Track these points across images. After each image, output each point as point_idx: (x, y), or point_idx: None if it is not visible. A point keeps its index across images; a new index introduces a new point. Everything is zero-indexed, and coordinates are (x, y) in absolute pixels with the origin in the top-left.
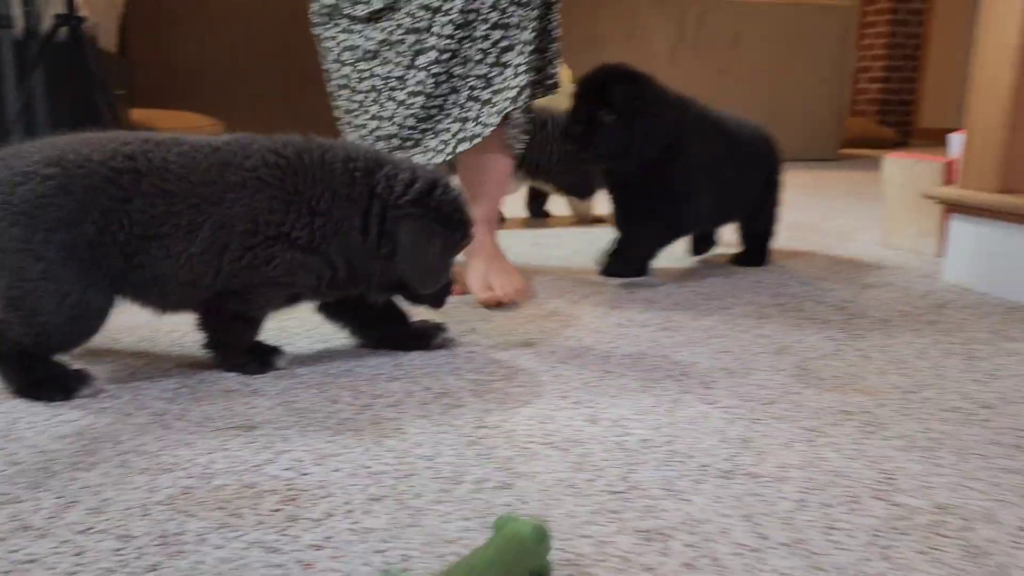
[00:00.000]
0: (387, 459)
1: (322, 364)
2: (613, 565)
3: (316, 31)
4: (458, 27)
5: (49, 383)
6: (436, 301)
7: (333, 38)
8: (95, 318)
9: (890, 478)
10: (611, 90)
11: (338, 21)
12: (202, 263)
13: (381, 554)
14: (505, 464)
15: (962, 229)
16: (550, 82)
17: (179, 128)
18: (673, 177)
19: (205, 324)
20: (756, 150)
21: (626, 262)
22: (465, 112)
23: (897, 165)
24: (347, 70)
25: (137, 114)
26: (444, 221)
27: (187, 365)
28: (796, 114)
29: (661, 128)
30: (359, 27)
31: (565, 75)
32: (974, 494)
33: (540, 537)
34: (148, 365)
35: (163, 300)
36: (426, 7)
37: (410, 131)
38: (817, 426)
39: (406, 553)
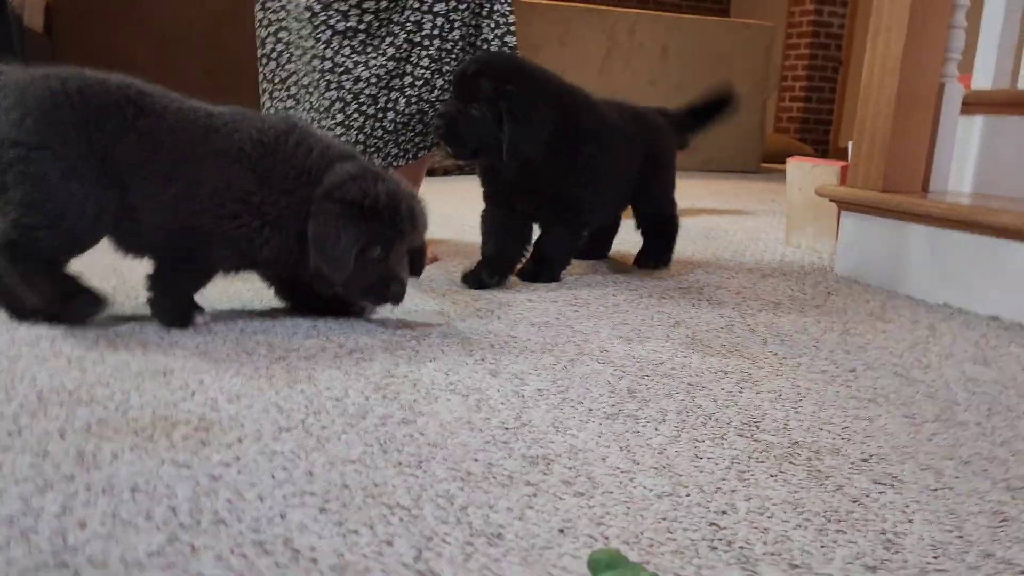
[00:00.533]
0: (297, 399)
1: (240, 322)
2: (499, 481)
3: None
4: (433, 61)
5: (72, 299)
6: (379, 297)
7: (313, 38)
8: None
9: (756, 422)
10: (479, 83)
11: (317, 25)
12: (171, 210)
13: (286, 471)
14: (409, 405)
15: (851, 225)
16: None
17: None
18: (567, 180)
19: (156, 271)
20: (636, 130)
21: (548, 271)
22: (427, 127)
23: (798, 169)
24: (315, 76)
25: None
26: (362, 215)
27: (109, 321)
28: (720, 127)
29: (538, 127)
30: (336, 41)
31: None
32: (825, 435)
33: None
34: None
35: (134, 237)
36: (409, 41)
37: (376, 140)
38: (698, 382)
39: (310, 470)
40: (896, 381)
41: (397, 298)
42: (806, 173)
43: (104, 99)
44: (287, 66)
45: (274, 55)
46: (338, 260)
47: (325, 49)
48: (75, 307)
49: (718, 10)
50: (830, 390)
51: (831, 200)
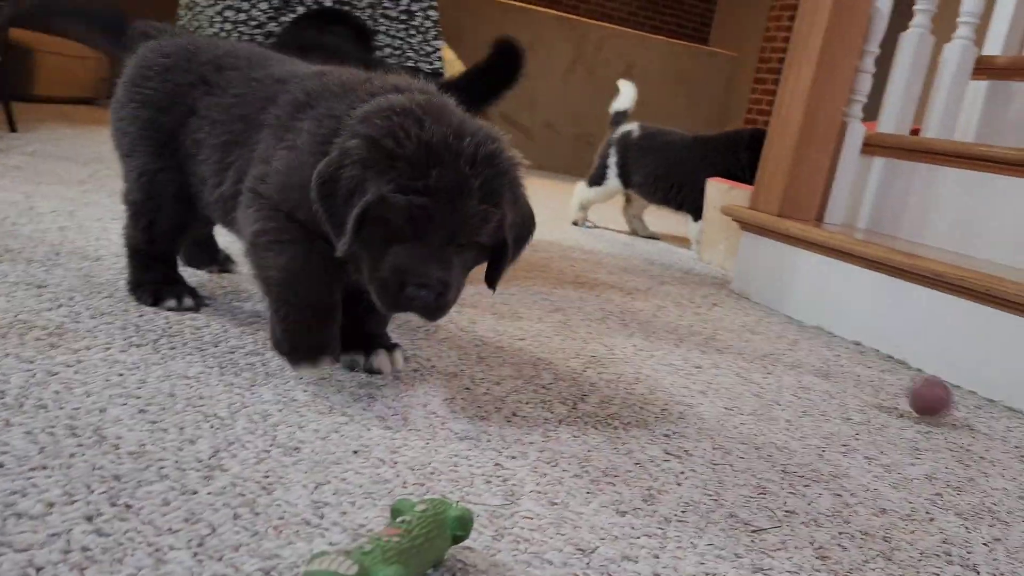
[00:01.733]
0: (158, 323)
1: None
2: (318, 410)
3: None
4: None
5: (146, 285)
6: (389, 300)
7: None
8: (173, 209)
9: (584, 395)
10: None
11: None
12: (226, 199)
13: (121, 376)
14: (263, 340)
15: (748, 245)
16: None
17: (61, 53)
18: None
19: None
20: None
21: None
22: None
23: (716, 188)
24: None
25: (16, 33)
26: (382, 161)
27: (2, 236)
28: None
29: None
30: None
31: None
32: (643, 412)
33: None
34: None
35: (204, 210)
36: None
37: None
38: (549, 359)
39: (144, 379)
40: (734, 380)
41: (420, 307)
42: (723, 193)
43: (184, 76)
44: None
45: None
46: (336, 216)
47: None
48: (140, 295)
49: (697, 37)
50: (668, 379)
51: (734, 219)
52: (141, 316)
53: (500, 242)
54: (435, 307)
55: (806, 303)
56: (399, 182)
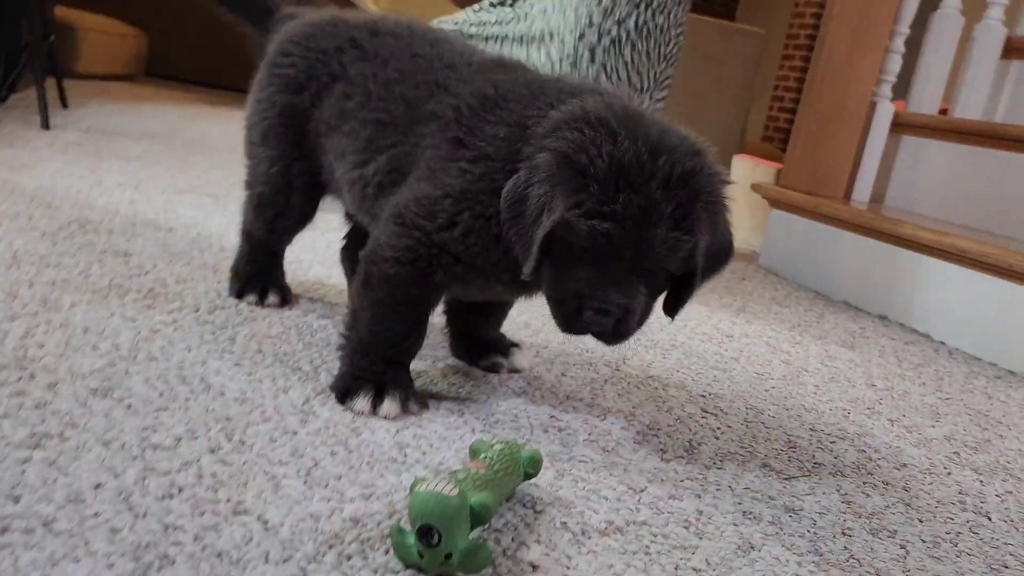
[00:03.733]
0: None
1: (197, 226)
2: None
3: None
4: None
5: (240, 275)
6: (567, 322)
7: None
8: (301, 204)
9: (625, 359)
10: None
11: None
12: (367, 184)
13: (213, 335)
14: (331, 305)
15: (777, 222)
16: None
17: (102, 31)
18: None
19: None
20: None
21: None
22: None
23: (742, 165)
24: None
25: (61, 11)
26: (574, 177)
27: (82, 208)
28: (703, 126)
29: None
30: None
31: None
32: (677, 375)
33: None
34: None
35: (332, 188)
36: None
37: None
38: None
39: (233, 337)
40: (764, 348)
41: (597, 333)
42: (750, 170)
43: (319, 59)
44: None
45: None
46: (523, 237)
47: None
48: (245, 289)
49: (724, 13)
50: (702, 347)
51: (763, 196)
52: (219, 282)
53: (691, 269)
54: (613, 334)
55: (833, 278)
56: (587, 205)
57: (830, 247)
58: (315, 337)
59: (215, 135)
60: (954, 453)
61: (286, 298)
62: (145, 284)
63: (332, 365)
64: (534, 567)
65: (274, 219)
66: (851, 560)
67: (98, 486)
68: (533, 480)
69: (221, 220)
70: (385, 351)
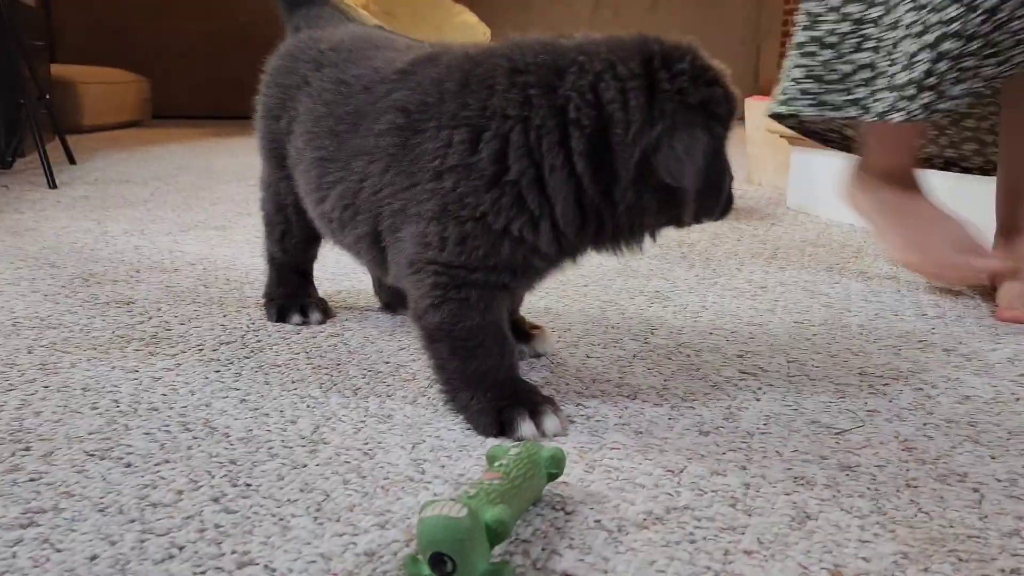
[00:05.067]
0: (242, 320)
1: (204, 262)
2: (402, 378)
3: None
4: None
5: (275, 300)
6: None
7: None
8: (295, 218)
9: (653, 329)
10: None
11: None
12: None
13: (218, 373)
14: (340, 322)
15: (799, 160)
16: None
17: (103, 82)
18: None
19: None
20: None
21: None
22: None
23: (757, 108)
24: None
25: (58, 68)
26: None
27: (86, 261)
28: None
29: None
30: None
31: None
32: (712, 338)
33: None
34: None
35: None
36: None
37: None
38: (614, 299)
39: (239, 372)
40: (801, 295)
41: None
42: (764, 111)
43: (291, 78)
44: None
45: None
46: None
47: None
48: (269, 311)
49: None
50: (734, 303)
51: (781, 136)
52: (225, 316)
53: None
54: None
55: None
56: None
57: None
58: (324, 359)
59: (220, 166)
60: (1020, 375)
61: (328, 311)
62: (148, 331)
63: (343, 385)
64: None
65: (282, 238)
66: (919, 514)
67: (93, 558)
68: (561, 479)
69: (227, 252)
70: (495, 377)
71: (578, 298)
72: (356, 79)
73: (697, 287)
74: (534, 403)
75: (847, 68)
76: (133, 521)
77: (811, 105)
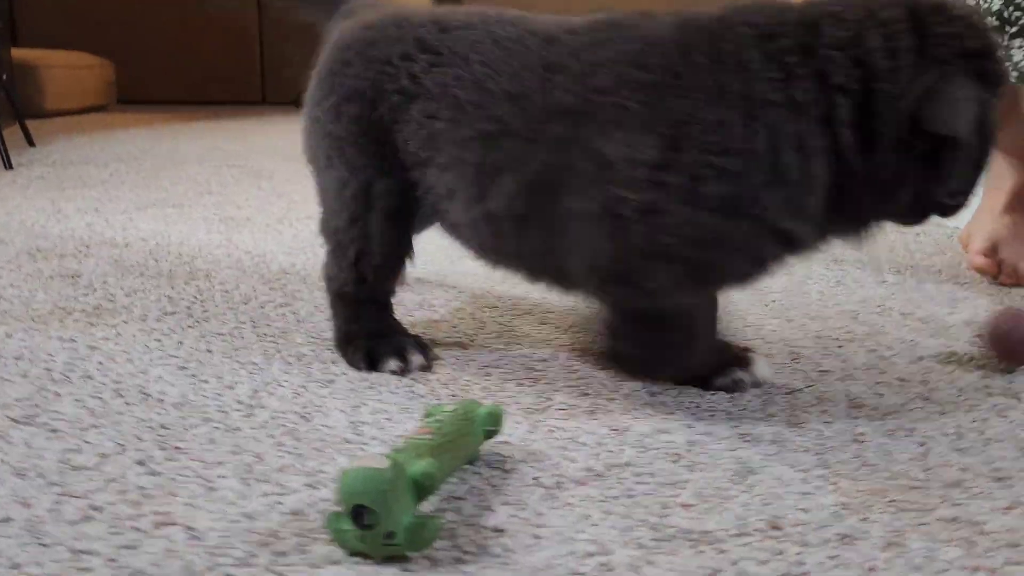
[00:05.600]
0: (189, 292)
1: (157, 237)
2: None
3: None
4: None
5: (359, 342)
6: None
7: None
8: (389, 233)
9: None
10: None
11: None
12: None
13: (159, 342)
14: (292, 293)
15: None
16: None
17: (66, 66)
18: None
19: None
20: None
21: None
22: None
23: None
24: None
25: (19, 52)
26: None
27: (35, 236)
28: None
29: None
30: None
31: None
32: None
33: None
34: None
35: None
36: None
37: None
38: None
39: (181, 341)
40: None
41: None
42: None
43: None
44: None
45: None
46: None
47: None
48: (347, 356)
49: None
50: None
51: None
52: (173, 288)
53: None
54: None
55: None
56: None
57: None
58: (271, 327)
59: (186, 150)
60: (976, 336)
61: (428, 352)
62: (91, 302)
63: (288, 352)
64: (499, 531)
65: (357, 260)
66: (863, 467)
67: (6, 520)
68: (503, 438)
69: (183, 228)
70: (709, 343)
71: None
72: (522, 35)
73: None
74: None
75: None
76: (52, 484)
77: None
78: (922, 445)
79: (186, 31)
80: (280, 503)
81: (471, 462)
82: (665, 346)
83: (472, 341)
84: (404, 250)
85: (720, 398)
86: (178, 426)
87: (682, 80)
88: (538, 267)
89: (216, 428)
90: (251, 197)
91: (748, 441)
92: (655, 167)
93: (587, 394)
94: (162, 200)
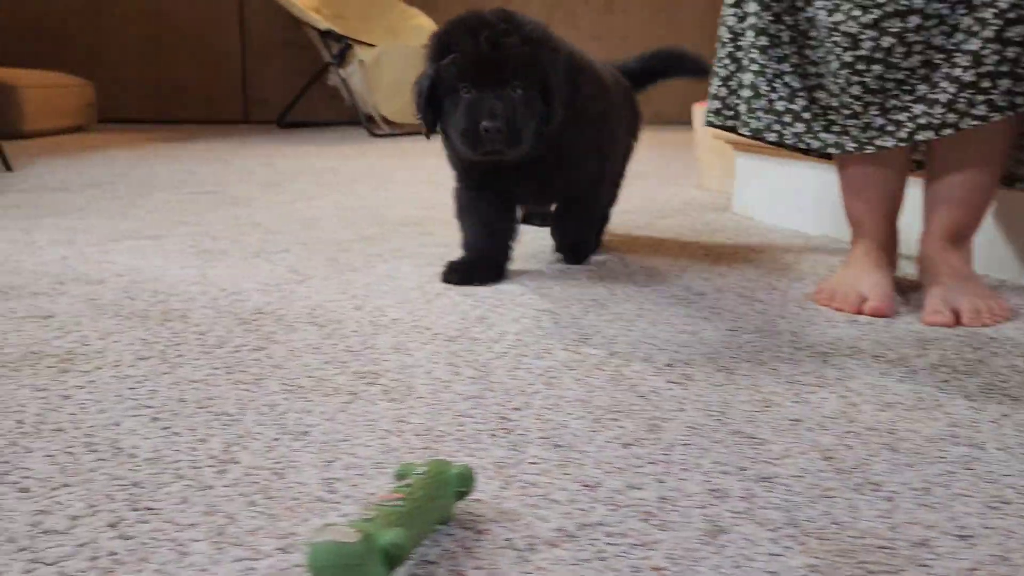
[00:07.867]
0: (164, 334)
1: (130, 275)
2: (324, 392)
3: None
4: None
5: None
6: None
7: None
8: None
9: (586, 338)
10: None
11: None
12: None
13: (132, 390)
14: (267, 335)
15: (744, 165)
16: None
17: (45, 86)
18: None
19: None
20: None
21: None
22: (936, 94)
23: (703, 112)
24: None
25: None
26: None
27: (6, 275)
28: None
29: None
30: None
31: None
32: (645, 346)
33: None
34: None
35: None
36: None
37: (851, 100)
38: (549, 308)
39: (155, 389)
40: (737, 301)
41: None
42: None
43: None
44: None
45: None
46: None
47: None
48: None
49: None
50: (670, 310)
51: (726, 142)
52: (147, 330)
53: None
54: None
55: (810, 214)
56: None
57: (802, 182)
58: (246, 373)
59: (163, 174)
60: (943, 381)
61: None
62: (64, 346)
63: (261, 402)
64: None
65: None
66: (832, 526)
67: None
68: (475, 496)
69: (158, 262)
70: None
71: (513, 307)
72: None
73: (635, 295)
74: None
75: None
76: (23, 550)
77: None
78: (889, 500)
79: (166, 50)
80: (252, 569)
81: (444, 523)
82: None
83: (447, 387)
84: None
85: (691, 451)
86: (150, 484)
87: None
88: None
89: (188, 486)
90: (227, 227)
91: (719, 497)
92: None
93: (560, 446)
94: (137, 231)
